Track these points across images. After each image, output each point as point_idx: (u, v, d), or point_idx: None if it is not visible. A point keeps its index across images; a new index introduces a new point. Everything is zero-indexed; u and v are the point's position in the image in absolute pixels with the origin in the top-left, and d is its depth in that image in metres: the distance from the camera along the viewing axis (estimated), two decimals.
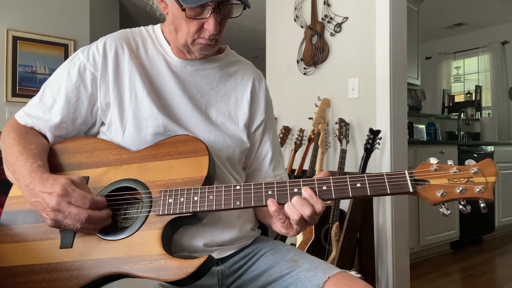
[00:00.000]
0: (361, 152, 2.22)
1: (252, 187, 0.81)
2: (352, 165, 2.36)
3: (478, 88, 5.75)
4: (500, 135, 5.12)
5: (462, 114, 4.68)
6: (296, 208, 0.77)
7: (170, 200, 0.83)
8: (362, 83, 2.34)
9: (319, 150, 2.27)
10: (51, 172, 0.86)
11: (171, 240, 0.86)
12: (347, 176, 0.78)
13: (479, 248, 3.77)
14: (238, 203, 0.80)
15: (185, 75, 1.00)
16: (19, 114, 0.97)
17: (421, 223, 3.21)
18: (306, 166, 2.41)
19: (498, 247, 3.80)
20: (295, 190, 0.79)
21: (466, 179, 0.73)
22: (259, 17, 3.21)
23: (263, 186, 0.81)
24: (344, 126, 2.22)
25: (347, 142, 2.21)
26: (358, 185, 0.77)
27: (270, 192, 0.80)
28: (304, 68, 2.69)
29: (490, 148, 4.08)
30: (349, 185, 0.77)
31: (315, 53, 2.60)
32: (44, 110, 0.95)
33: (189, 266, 0.76)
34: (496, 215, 4.01)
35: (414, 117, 4.36)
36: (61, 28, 3.45)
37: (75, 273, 0.80)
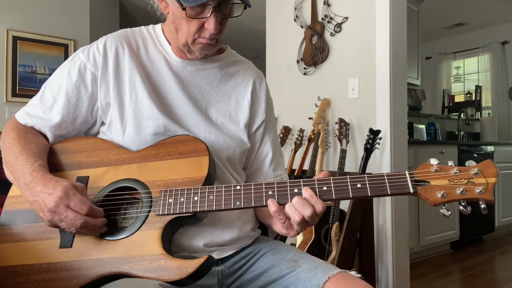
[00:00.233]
0: (361, 152, 2.22)
1: (253, 187, 0.81)
2: (352, 165, 2.36)
3: (478, 88, 5.75)
4: (500, 135, 5.12)
5: (462, 114, 4.68)
6: (297, 208, 0.77)
7: (170, 200, 0.83)
8: (362, 83, 2.34)
9: (319, 150, 2.27)
10: (50, 171, 0.86)
11: (171, 240, 0.86)
12: (348, 176, 0.78)
13: (479, 248, 3.77)
14: (238, 203, 0.80)
15: (186, 75, 0.99)
16: (19, 113, 0.97)
17: (421, 223, 3.21)
18: (306, 166, 2.41)
19: (498, 247, 3.80)
20: (296, 190, 0.79)
21: (466, 180, 0.73)
22: (259, 17, 3.21)
23: (264, 186, 0.80)
24: (344, 126, 2.22)
25: (347, 142, 2.20)
26: (359, 185, 0.77)
27: (270, 193, 0.80)
28: (304, 68, 2.69)
29: (490, 148, 4.08)
30: (349, 185, 0.77)
31: (315, 53, 2.60)
32: (44, 110, 0.95)
33: (189, 266, 0.76)
34: (496, 215, 4.01)
35: (414, 117, 4.36)
36: (61, 28, 3.45)
37: (75, 272, 0.80)
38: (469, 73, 6.06)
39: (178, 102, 0.97)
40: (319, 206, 0.77)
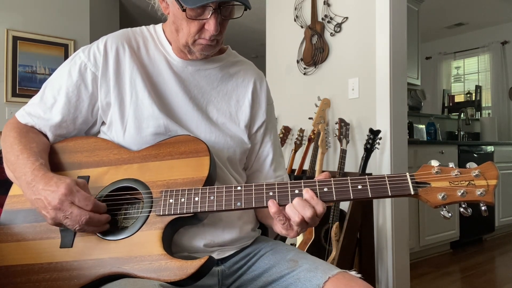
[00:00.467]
0: (361, 152, 2.22)
1: (253, 188, 0.81)
2: (352, 165, 2.36)
3: (478, 88, 5.75)
4: (500, 135, 5.12)
5: (462, 114, 4.68)
6: (297, 209, 0.77)
7: (171, 201, 0.83)
8: (362, 83, 2.34)
9: (319, 150, 2.27)
10: (51, 171, 0.86)
11: (172, 240, 0.86)
12: (348, 178, 0.78)
13: (479, 248, 3.77)
14: (239, 204, 0.80)
15: (186, 75, 1.00)
16: (20, 113, 0.97)
17: (421, 223, 3.21)
18: (306, 166, 2.41)
19: (498, 247, 3.81)
20: (296, 191, 0.79)
21: (467, 182, 0.72)
22: (259, 17, 3.21)
23: (264, 187, 0.81)
24: (344, 126, 2.22)
25: (347, 142, 2.21)
26: (359, 187, 0.76)
27: (271, 193, 0.80)
28: (304, 68, 2.69)
29: (490, 148, 4.08)
30: (350, 187, 0.77)
31: (315, 53, 2.60)
32: (45, 110, 0.95)
33: (190, 266, 0.76)
34: (496, 215, 4.01)
35: (414, 117, 4.36)
36: (61, 28, 3.45)
37: (75, 272, 0.80)
38: (469, 73, 6.07)
39: (179, 102, 0.97)
40: (320, 208, 0.77)
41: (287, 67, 2.84)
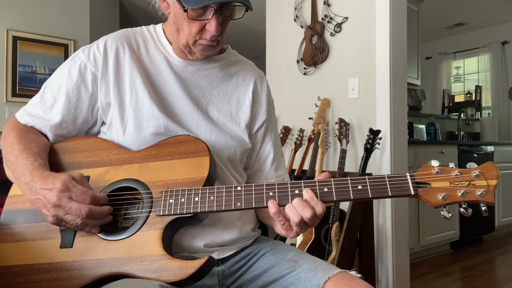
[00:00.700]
0: (361, 152, 2.22)
1: (253, 188, 0.81)
2: (352, 165, 2.36)
3: (478, 88, 5.75)
4: (500, 135, 5.13)
5: (462, 114, 4.68)
6: (297, 210, 0.77)
7: (171, 201, 0.83)
8: (362, 83, 2.34)
9: (319, 150, 2.27)
10: (51, 171, 0.86)
11: (172, 240, 0.86)
12: (349, 178, 0.78)
13: (479, 248, 3.77)
14: (239, 204, 0.80)
15: (187, 75, 0.99)
16: (20, 113, 0.97)
17: (421, 223, 3.21)
18: (306, 166, 2.41)
19: (498, 247, 3.81)
20: (297, 191, 0.79)
21: (467, 182, 0.72)
22: (259, 17, 3.20)
23: (264, 187, 0.80)
24: (344, 126, 2.22)
25: (347, 142, 2.21)
26: (360, 187, 0.76)
27: (271, 194, 0.80)
28: (304, 68, 2.69)
29: (490, 148, 4.08)
30: (350, 187, 0.77)
31: (315, 53, 2.60)
32: (45, 110, 0.95)
33: (190, 267, 0.76)
34: (496, 215, 4.01)
35: (414, 117, 4.36)
36: (61, 28, 3.45)
37: (75, 273, 0.80)
38: (469, 73, 6.06)
39: (179, 102, 0.97)
40: (319, 208, 0.77)
41: (287, 67, 2.84)
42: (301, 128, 2.59)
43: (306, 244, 2.07)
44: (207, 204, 0.81)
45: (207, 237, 0.91)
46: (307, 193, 0.78)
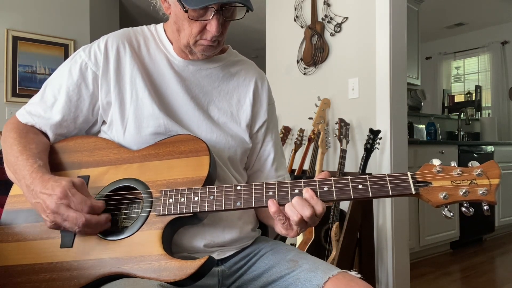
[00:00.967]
0: (361, 152, 2.22)
1: (253, 187, 0.81)
2: (352, 165, 2.36)
3: (478, 88, 5.75)
4: (500, 135, 5.12)
5: (462, 114, 4.68)
6: (296, 208, 0.77)
7: (171, 200, 0.82)
8: (362, 83, 2.34)
9: (319, 150, 2.27)
10: (51, 171, 0.86)
11: (172, 240, 0.86)
12: (349, 177, 0.77)
13: (479, 248, 3.77)
14: (239, 203, 0.80)
15: (187, 74, 0.99)
16: (20, 112, 0.97)
17: (421, 223, 3.21)
18: (306, 166, 2.41)
19: (498, 247, 3.80)
20: (296, 191, 0.79)
21: (469, 181, 0.71)
22: (259, 17, 3.20)
23: (264, 186, 0.80)
24: (344, 126, 2.22)
25: (347, 142, 2.20)
26: (360, 186, 0.76)
27: (271, 193, 0.79)
28: (304, 68, 2.69)
29: (490, 148, 4.08)
30: (350, 186, 0.77)
31: (315, 53, 2.60)
32: (45, 109, 0.95)
33: (189, 266, 0.75)
34: (496, 215, 4.01)
35: (414, 117, 4.36)
36: (61, 28, 3.45)
37: (75, 272, 0.80)
38: (469, 73, 6.06)
39: (180, 101, 0.97)
40: (319, 207, 0.77)
41: (287, 67, 2.84)
42: (301, 128, 2.59)
43: (306, 244, 2.07)
44: (206, 204, 0.81)
45: (207, 237, 0.91)
46: (307, 192, 0.77)
